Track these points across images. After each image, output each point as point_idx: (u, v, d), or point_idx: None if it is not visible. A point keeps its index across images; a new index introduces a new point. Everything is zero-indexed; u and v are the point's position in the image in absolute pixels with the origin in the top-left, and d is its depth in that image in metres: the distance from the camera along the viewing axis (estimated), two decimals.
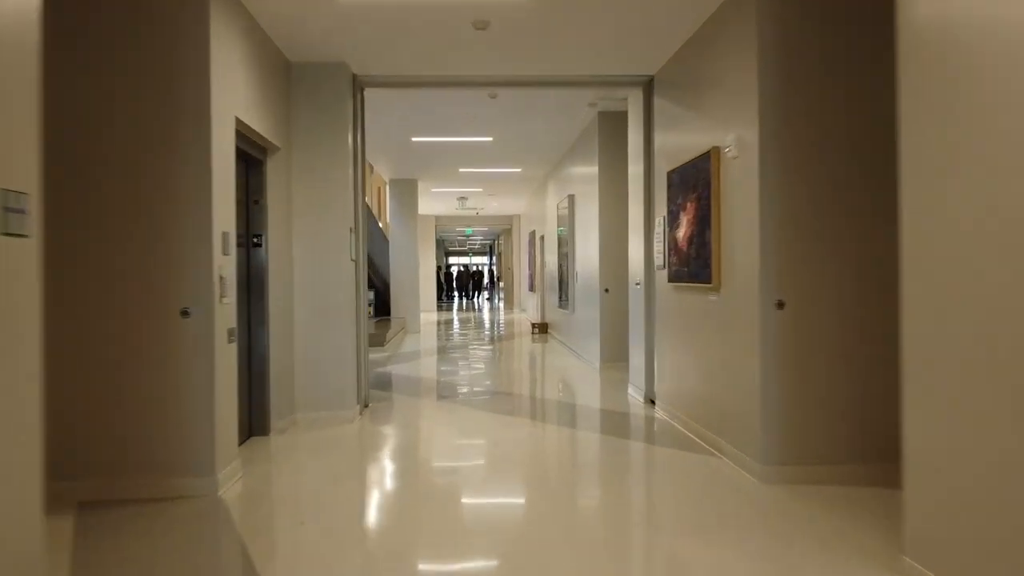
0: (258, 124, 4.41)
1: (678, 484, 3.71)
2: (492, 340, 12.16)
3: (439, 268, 28.69)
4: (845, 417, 3.68)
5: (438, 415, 5.69)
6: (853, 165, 3.67)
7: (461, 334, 13.38)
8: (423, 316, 18.35)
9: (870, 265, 3.68)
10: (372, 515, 3.31)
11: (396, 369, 8.43)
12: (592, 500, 3.50)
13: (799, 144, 3.67)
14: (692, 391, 4.74)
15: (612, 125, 7.94)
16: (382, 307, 13.96)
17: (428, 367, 8.74)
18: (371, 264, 13.76)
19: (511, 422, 5.31)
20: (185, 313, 3.51)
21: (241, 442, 4.59)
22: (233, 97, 3.91)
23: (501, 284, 27.57)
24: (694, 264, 4.57)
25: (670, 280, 5.11)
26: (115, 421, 3.50)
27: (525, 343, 11.52)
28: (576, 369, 8.18)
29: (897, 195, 2.82)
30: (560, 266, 10.91)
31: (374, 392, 6.69)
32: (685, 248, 4.75)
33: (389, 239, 13.49)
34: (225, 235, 3.72)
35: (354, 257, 5.46)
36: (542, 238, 13.80)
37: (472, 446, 4.62)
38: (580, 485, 3.77)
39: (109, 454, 3.50)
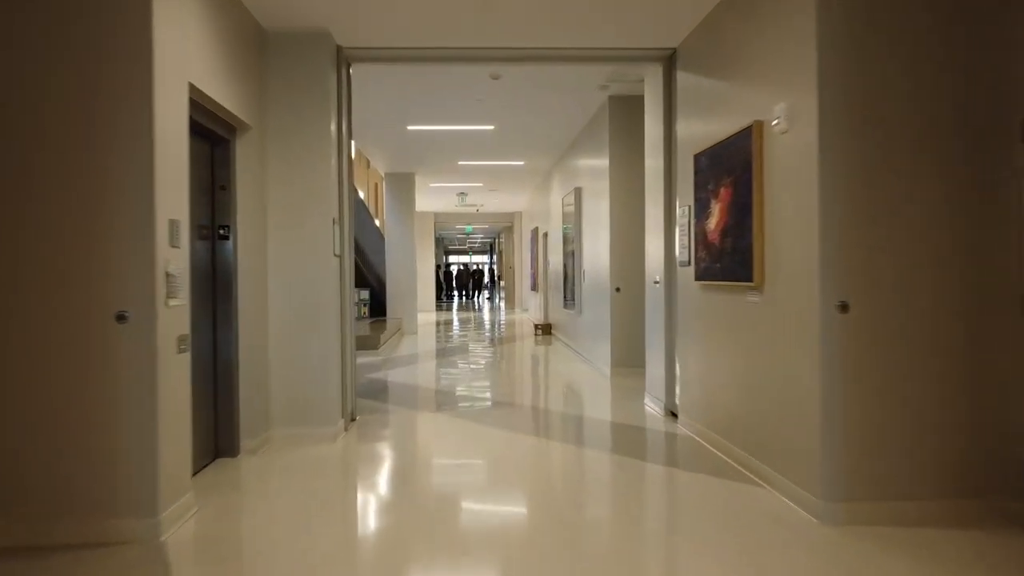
0: (223, 96, 3.78)
1: (715, 522, 3.07)
2: (493, 342, 11.54)
3: (438, 267, 28.06)
4: (932, 442, 3.04)
5: (433, 430, 5.06)
6: (932, 138, 3.04)
7: (461, 336, 12.75)
8: (421, 316, 17.73)
9: (961, 256, 3.04)
10: (349, 569, 2.68)
11: (390, 375, 7.80)
12: (612, 542, 2.87)
13: (868, 111, 3.03)
14: (725, 406, 4.11)
15: (625, 111, 7.31)
16: (377, 307, 13.34)
17: (424, 373, 8.10)
18: (366, 262, 13.13)
19: (515, 440, 4.68)
20: (121, 318, 2.87)
21: (204, 466, 3.96)
22: (185, 60, 3.28)
23: (502, 283, 26.93)
24: (729, 259, 3.94)
25: (698, 278, 4.48)
26: (37, 451, 2.87)
27: (528, 346, 10.89)
28: (584, 375, 7.55)
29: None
30: (565, 264, 10.28)
31: (364, 402, 6.06)
32: (717, 241, 4.11)
33: (385, 236, 12.85)
34: (174, 224, 3.09)
35: (339, 252, 4.83)
36: (545, 235, 13.17)
37: (470, 470, 3.99)
38: (597, 524, 3.13)
39: (30, 491, 2.87)
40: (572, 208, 9.34)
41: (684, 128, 4.85)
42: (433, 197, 16.45)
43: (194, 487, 3.45)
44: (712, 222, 4.20)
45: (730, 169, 3.91)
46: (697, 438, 4.57)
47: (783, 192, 3.36)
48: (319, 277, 4.58)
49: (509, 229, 22.48)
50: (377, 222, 16.05)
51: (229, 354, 4.15)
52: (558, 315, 11.55)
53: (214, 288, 4.13)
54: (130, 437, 2.89)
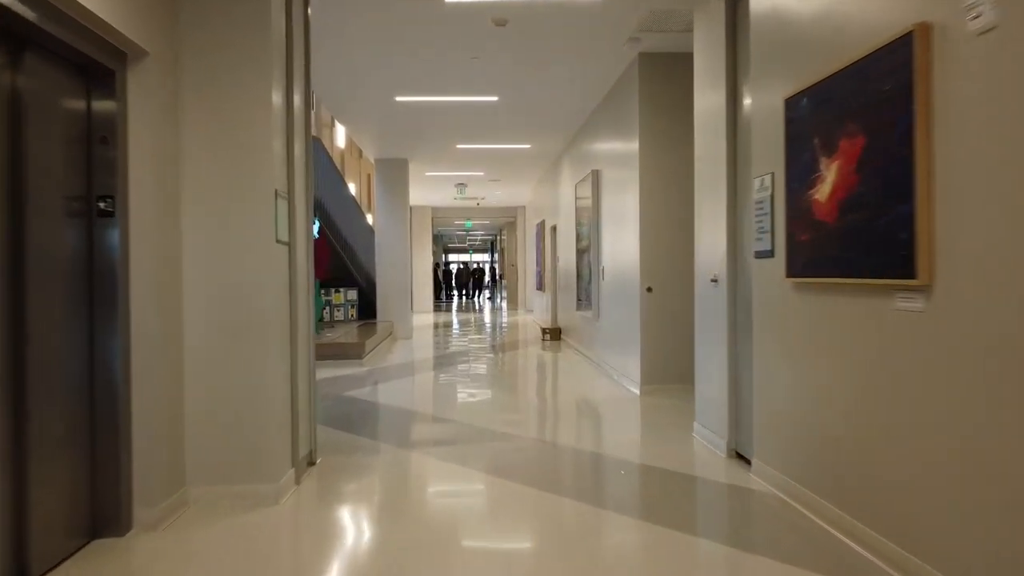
0: (101, 2, 2.46)
1: None
2: (496, 349, 10.21)
3: (437, 265, 26.73)
4: None
5: (418, 482, 3.73)
6: None
7: (460, 341, 11.42)
8: (417, 319, 16.41)
9: None
10: None
11: (372, 394, 6.47)
12: None
13: None
14: (845, 462, 2.79)
15: (659, 72, 5.99)
16: (367, 309, 12.02)
17: (415, 390, 6.77)
18: (354, 259, 11.81)
19: (527, 501, 3.36)
20: None
21: (71, 553, 2.64)
22: None
23: (504, 283, 25.57)
24: (857, 244, 2.61)
25: (792, 273, 3.15)
26: None
27: (535, 353, 9.56)
28: (607, 394, 6.22)
29: None
30: (579, 260, 8.96)
31: (331, 435, 4.73)
32: (833, 218, 2.79)
33: (375, 230, 11.53)
34: None
35: (286, 239, 3.50)
36: (554, 228, 11.85)
37: (468, 558, 2.66)
38: None
39: None
40: (588, 196, 8.02)
41: (763, 65, 3.52)
42: (430, 189, 15.13)
43: None
44: (823, 191, 2.87)
45: (861, 108, 2.59)
46: (789, 499, 3.24)
47: (977, 134, 2.04)
48: (257, 272, 3.25)
49: (511, 225, 21.15)
50: (370, 218, 14.75)
51: (113, 382, 2.83)
52: (569, 318, 10.23)
53: (90, 289, 2.81)
54: None
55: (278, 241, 3.34)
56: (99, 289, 2.82)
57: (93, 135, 2.81)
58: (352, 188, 18.56)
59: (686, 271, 5.99)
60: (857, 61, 2.62)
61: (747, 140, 3.81)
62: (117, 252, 2.84)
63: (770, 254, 3.42)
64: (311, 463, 3.92)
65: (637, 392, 6.04)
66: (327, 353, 7.92)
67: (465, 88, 7.07)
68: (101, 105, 2.82)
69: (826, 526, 2.90)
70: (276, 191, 3.31)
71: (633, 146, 6.14)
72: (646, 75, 5.99)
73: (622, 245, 6.63)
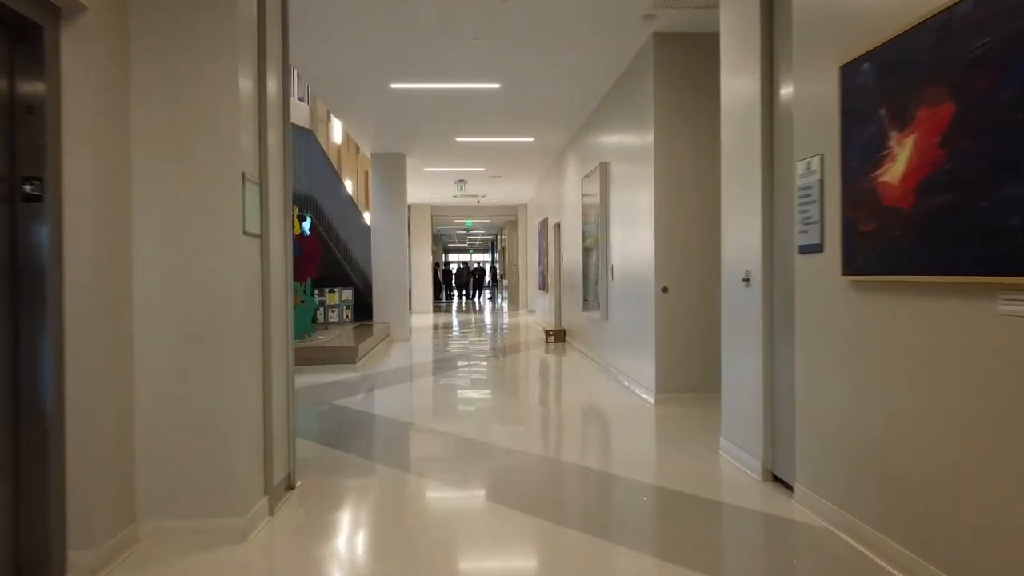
0: None
1: None
2: (497, 352, 9.74)
3: (436, 265, 26.26)
4: None
5: (411, 513, 3.26)
6: None
7: (460, 343, 10.95)
8: (416, 319, 15.94)
9: None
10: None
11: (365, 402, 5.99)
12: None
13: None
14: (931, 499, 2.31)
15: (677, 54, 5.52)
16: (364, 310, 11.54)
17: (411, 399, 6.31)
18: (349, 258, 11.34)
19: (531, 534, 2.89)
20: None
21: None
22: None
23: (505, 283, 25.08)
24: (946, 233, 2.14)
25: (851, 270, 2.67)
26: None
27: (539, 356, 9.09)
28: (618, 402, 5.74)
29: None
30: (585, 259, 8.48)
31: (315, 451, 4.26)
32: (909, 204, 2.31)
33: (371, 227, 11.06)
34: None
35: (257, 230, 3.03)
36: (557, 226, 11.38)
37: None
38: None
39: None
40: (595, 191, 7.54)
41: (811, 30, 3.04)
42: (429, 186, 14.66)
43: None
44: (894, 171, 2.39)
45: (946, 69, 2.11)
46: (845, 536, 2.77)
47: None
48: (221, 269, 2.78)
49: (513, 224, 20.68)
50: (367, 216, 14.27)
51: (40, 401, 2.36)
52: (575, 319, 9.76)
53: (12, 286, 2.33)
54: None
55: (246, 233, 2.87)
56: (24, 288, 2.35)
57: (17, 105, 2.34)
58: (349, 186, 18.11)
59: (705, 269, 5.52)
60: (940, 12, 2.14)
61: (786, 120, 3.34)
62: (47, 244, 2.36)
63: (818, 248, 2.95)
64: (290, 487, 3.44)
65: (651, 400, 5.56)
66: (318, 357, 7.46)
67: (465, 74, 6.60)
68: (26, 68, 2.35)
69: (892, 569, 2.43)
70: (244, 175, 2.84)
71: (647, 137, 5.67)
72: (662, 58, 5.52)
73: (634, 242, 6.15)
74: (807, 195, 3.04)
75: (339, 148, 17.46)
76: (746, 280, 3.72)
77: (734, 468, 3.76)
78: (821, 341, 2.95)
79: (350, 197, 12.44)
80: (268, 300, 3.10)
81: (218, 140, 2.75)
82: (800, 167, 3.10)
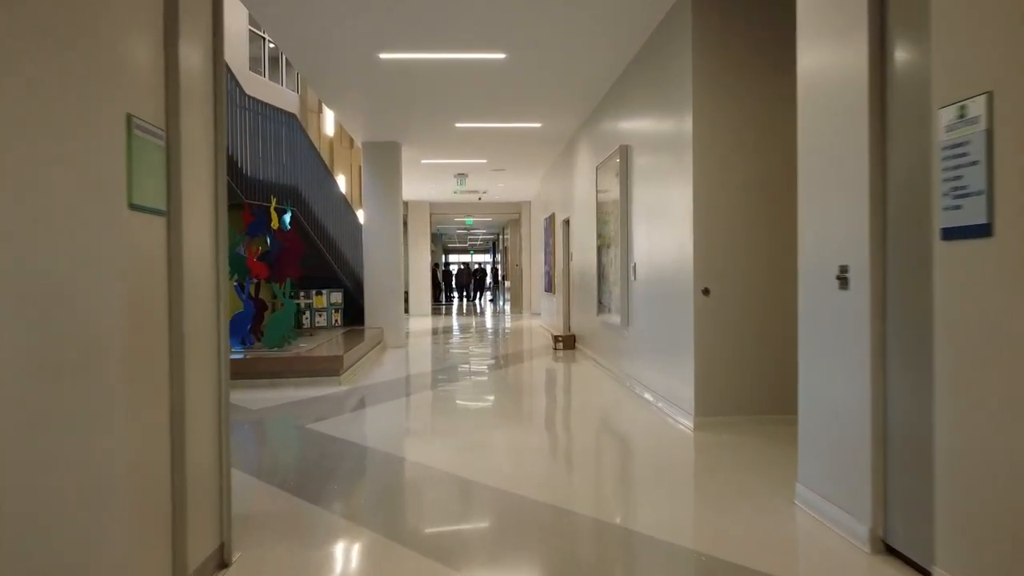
0: None
1: None
2: (500, 360, 8.80)
3: (436, 266, 25.31)
4: None
5: None
6: None
7: (459, 350, 10.01)
8: (414, 323, 15.00)
9: None
10: None
11: (344, 426, 5.05)
12: None
13: None
14: None
15: (722, 11, 4.58)
16: (356, 313, 10.59)
17: (399, 423, 5.37)
18: (337, 256, 10.41)
19: None
20: None
21: None
22: None
23: (507, 284, 24.09)
24: None
25: None
26: None
27: (547, 366, 8.15)
28: (648, 425, 4.80)
29: None
30: (600, 257, 7.54)
31: (270, 503, 3.31)
32: None
33: (363, 223, 10.12)
34: None
35: (159, 205, 2.08)
36: (566, 222, 10.44)
37: None
38: None
39: None
40: (612, 180, 6.60)
41: None
42: (427, 180, 13.73)
43: None
44: None
45: None
46: None
47: None
48: (88, 262, 1.81)
49: (516, 222, 19.73)
50: (361, 215, 13.33)
51: None
52: (586, 324, 8.80)
53: None
54: None
55: (134, 207, 1.91)
56: None
57: None
58: (342, 182, 17.19)
59: (758, 265, 4.59)
60: None
61: (913, 46, 2.39)
62: None
63: (982, 231, 2.00)
64: (222, 565, 2.49)
65: (689, 424, 4.62)
66: (296, 369, 6.51)
67: (465, 42, 5.67)
68: None
69: None
70: (131, 119, 1.89)
71: (682, 115, 4.73)
72: (703, 19, 4.57)
73: (663, 236, 5.21)
74: (959, 154, 2.09)
75: (331, 141, 16.53)
76: (842, 279, 2.77)
77: (823, 530, 2.81)
78: (986, 368, 2.00)
79: (341, 191, 11.51)
80: (179, 304, 2.14)
81: (82, 56, 1.79)
82: (946, 115, 2.15)
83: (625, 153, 6.36)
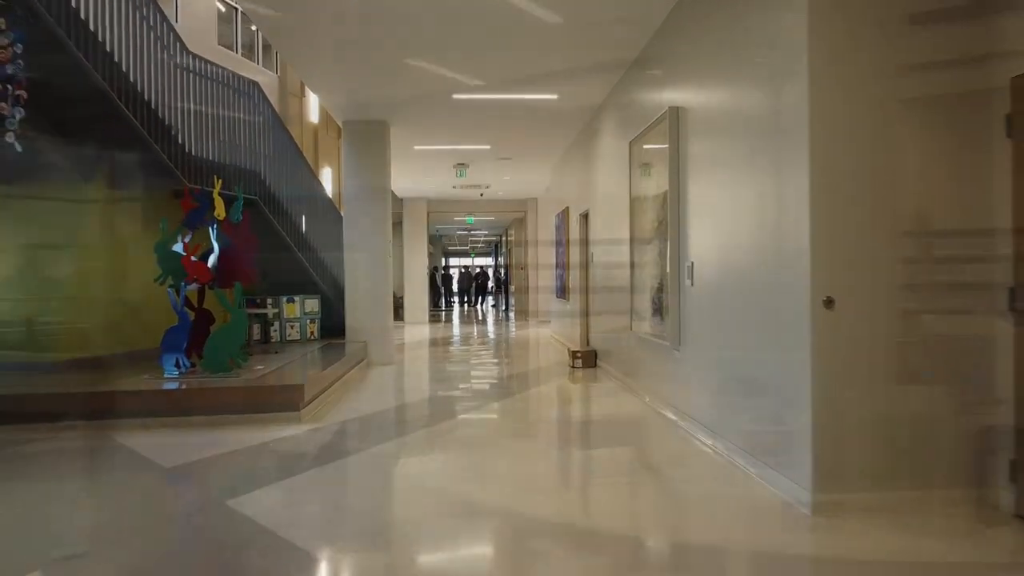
0: None
1: None
2: (506, 382, 7.22)
3: (435, 269, 23.73)
4: None
5: None
6: None
7: (458, 367, 8.44)
8: (409, 332, 13.43)
9: None
10: None
11: (286, 503, 3.47)
12: None
13: None
14: None
15: None
16: (337, 326, 8.99)
17: (367, 498, 3.80)
18: (312, 257, 8.83)
19: None
20: None
21: None
22: None
23: (511, 288, 22.47)
24: None
25: None
26: None
27: (565, 389, 6.57)
28: (733, 502, 3.22)
29: None
30: (634, 255, 5.95)
31: None
32: None
33: (344, 218, 8.54)
34: None
35: None
36: (585, 216, 8.86)
37: None
38: None
39: None
40: (656, 154, 5.03)
41: None
42: (423, 172, 12.16)
43: None
44: None
45: None
46: None
47: None
48: None
49: (521, 221, 18.14)
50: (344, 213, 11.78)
51: None
52: (611, 338, 7.21)
53: None
54: None
55: None
56: None
57: None
58: (328, 174, 15.63)
59: (917, 265, 3.02)
60: None
61: None
62: None
63: None
64: None
65: (805, 502, 3.03)
66: (240, 404, 4.92)
67: None
68: None
69: None
70: None
71: (800, 37, 3.16)
72: None
73: (740, 227, 3.65)
74: None
75: (316, 129, 14.99)
76: None
77: None
78: None
79: (315, 178, 9.94)
80: None
81: None
82: None
83: (677, 117, 4.79)
